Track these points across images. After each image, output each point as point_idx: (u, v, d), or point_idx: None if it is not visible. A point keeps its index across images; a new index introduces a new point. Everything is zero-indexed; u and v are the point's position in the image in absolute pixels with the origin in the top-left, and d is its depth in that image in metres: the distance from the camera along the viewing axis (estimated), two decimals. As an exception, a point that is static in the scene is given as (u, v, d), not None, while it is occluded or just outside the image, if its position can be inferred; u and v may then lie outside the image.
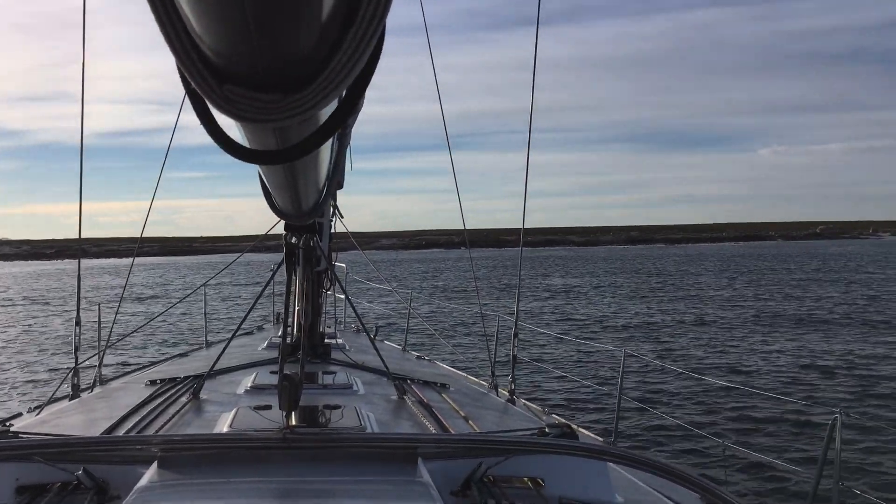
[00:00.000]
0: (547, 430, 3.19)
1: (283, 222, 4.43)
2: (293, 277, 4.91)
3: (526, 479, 2.87)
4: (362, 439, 2.82)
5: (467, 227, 8.47)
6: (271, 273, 6.24)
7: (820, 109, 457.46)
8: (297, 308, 5.27)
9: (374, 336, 9.51)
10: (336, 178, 2.12)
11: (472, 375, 8.42)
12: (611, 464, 2.97)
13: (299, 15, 0.99)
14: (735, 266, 69.64)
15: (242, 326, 6.23)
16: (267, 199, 2.72)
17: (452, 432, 3.73)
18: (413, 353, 9.61)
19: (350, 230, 8.52)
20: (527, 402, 7.39)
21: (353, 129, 4.18)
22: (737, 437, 11.51)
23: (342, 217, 7.82)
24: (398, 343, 10.50)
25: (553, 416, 6.86)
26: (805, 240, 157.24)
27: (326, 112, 1.37)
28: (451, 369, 8.62)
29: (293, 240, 4.70)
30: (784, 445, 11.14)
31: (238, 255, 10.46)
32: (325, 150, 1.88)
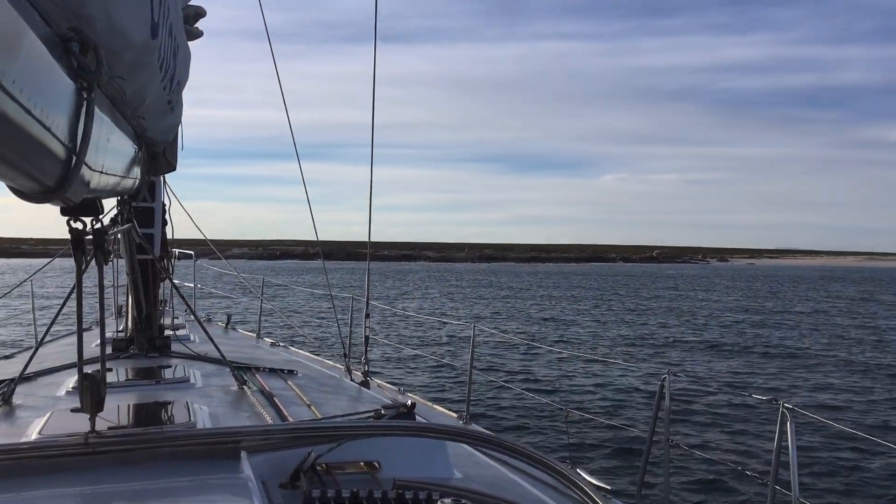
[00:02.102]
0: (383, 411, 3.15)
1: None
2: (101, 269, 4.57)
3: (362, 463, 2.84)
4: (177, 437, 2.60)
5: (322, 239, 8.39)
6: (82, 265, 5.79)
7: (659, 142, 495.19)
8: (131, 300, 4.98)
9: (227, 325, 9.24)
10: (85, 144, 1.61)
11: (328, 360, 8.46)
12: (454, 442, 2.99)
13: None
14: (576, 280, 75.68)
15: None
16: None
17: (291, 421, 3.67)
18: (268, 339, 9.47)
19: (208, 237, 8.20)
20: (381, 384, 7.43)
21: (183, 120, 3.93)
22: (579, 401, 12.28)
23: (179, 201, 7.40)
24: (253, 331, 10.31)
25: (408, 395, 6.98)
26: (643, 262, 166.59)
27: None
28: (307, 355, 8.57)
29: (79, 226, 4.28)
30: (622, 406, 11.98)
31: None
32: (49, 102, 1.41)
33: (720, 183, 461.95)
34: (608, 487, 3.85)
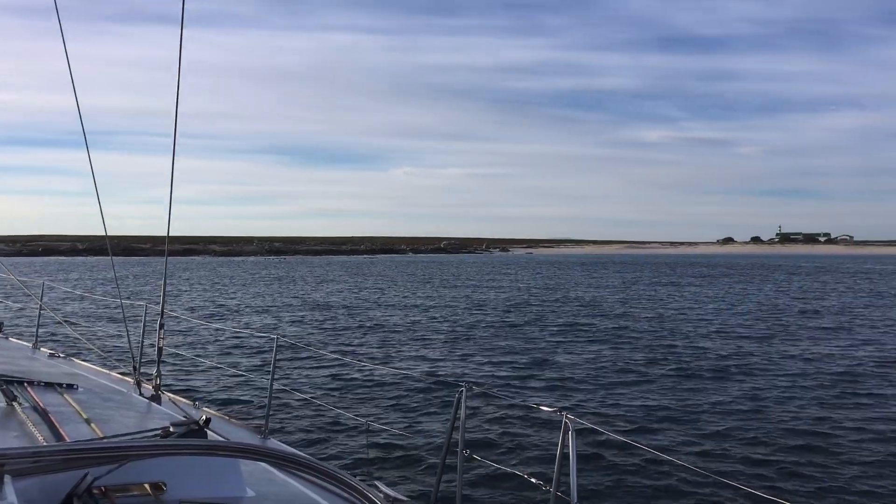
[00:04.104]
0: (171, 428, 3.05)
1: None
2: None
3: (146, 485, 2.70)
4: None
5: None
6: None
7: (444, 137, 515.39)
8: None
9: None
10: None
11: (116, 372, 7.92)
12: (248, 459, 2.92)
13: None
14: (367, 270, 79.18)
15: None
16: None
17: (67, 441, 3.43)
18: (45, 350, 8.71)
19: None
20: (174, 398, 7.08)
21: None
22: (380, 413, 12.39)
23: None
24: (29, 341, 9.41)
25: (203, 410, 6.70)
26: (432, 253, 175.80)
27: None
28: (92, 367, 7.99)
29: None
30: (421, 417, 12.23)
31: None
32: None
33: (501, 177, 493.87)
34: (405, 499, 3.92)
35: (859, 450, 10.69)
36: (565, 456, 4.10)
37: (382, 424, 11.18)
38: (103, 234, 6.65)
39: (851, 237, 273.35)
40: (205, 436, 3.05)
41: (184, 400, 7.09)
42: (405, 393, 14.09)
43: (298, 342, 19.52)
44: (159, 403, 6.20)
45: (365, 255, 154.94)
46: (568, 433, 4.08)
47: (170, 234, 6.82)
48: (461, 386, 5.02)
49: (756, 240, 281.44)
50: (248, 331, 21.73)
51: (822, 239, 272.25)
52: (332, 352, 18.68)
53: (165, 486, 2.72)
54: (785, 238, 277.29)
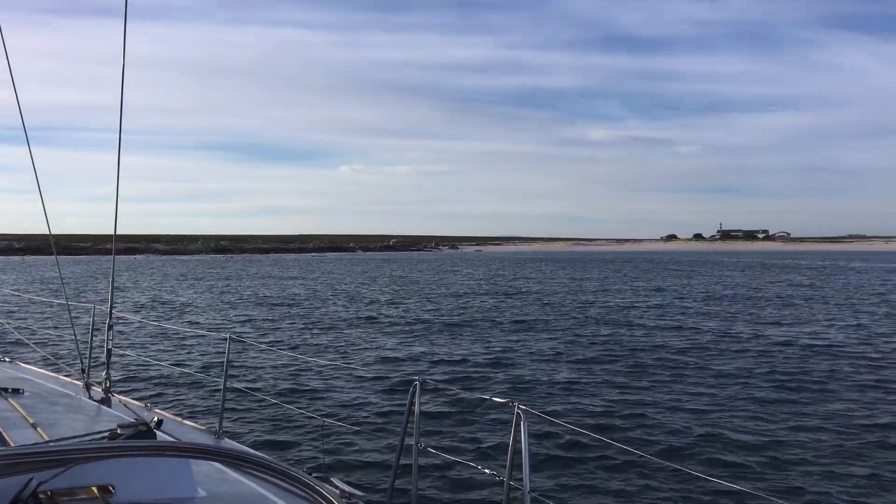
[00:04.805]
0: (119, 430, 3.04)
1: None
2: None
3: (94, 488, 2.69)
4: None
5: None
6: None
7: (392, 134, 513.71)
8: None
9: None
10: None
11: (64, 375, 7.83)
12: (199, 459, 2.92)
13: None
14: (317, 269, 79.27)
15: None
16: None
17: (11, 445, 3.41)
18: None
19: None
20: (125, 401, 6.98)
21: None
22: (335, 409, 12.45)
23: None
24: None
25: (155, 411, 6.67)
26: (381, 251, 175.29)
27: None
28: (39, 371, 7.88)
29: None
30: (376, 412, 12.33)
31: None
32: None
33: (450, 175, 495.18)
34: (360, 494, 4.00)
35: (801, 438, 11.17)
36: (517, 445, 4.15)
37: (337, 420, 11.25)
38: (41, 232, 6.58)
39: (788, 234, 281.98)
40: (154, 437, 3.06)
41: (135, 402, 7.00)
42: (359, 388, 14.16)
43: (251, 340, 19.39)
44: (109, 406, 6.13)
45: (314, 254, 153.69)
46: (520, 423, 4.12)
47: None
48: (415, 380, 5.04)
49: (698, 237, 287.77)
50: (199, 330, 21.48)
51: (760, 236, 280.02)
52: (285, 349, 18.63)
53: (114, 488, 2.72)
54: (726, 235, 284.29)
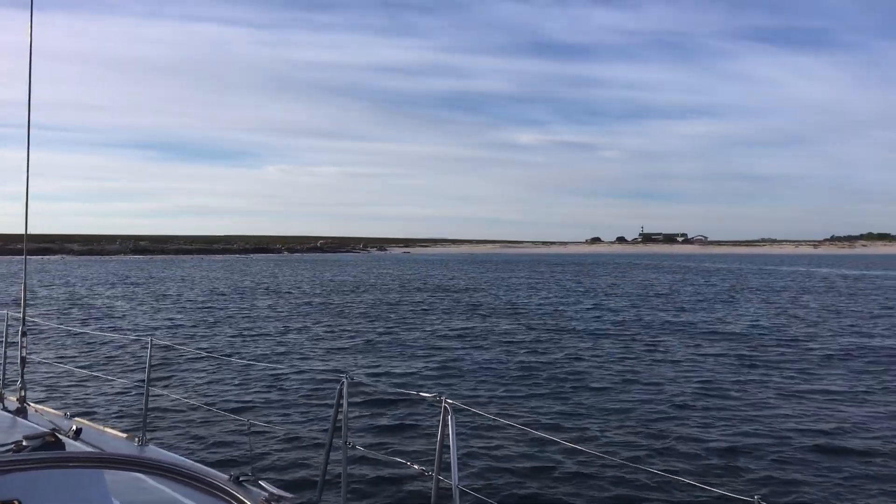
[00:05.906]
0: (25, 443, 2.95)
1: None
2: None
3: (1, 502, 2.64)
4: None
5: None
6: None
7: (320, 135, 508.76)
8: None
9: None
10: None
11: None
12: (112, 470, 2.83)
13: None
14: (242, 269, 78.85)
15: None
16: None
17: None
18: None
19: None
20: (43, 410, 6.69)
21: None
22: (261, 410, 12.33)
23: None
24: None
25: (75, 420, 6.49)
26: (309, 252, 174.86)
27: None
28: None
29: None
30: (303, 412, 12.27)
31: None
32: None
33: (377, 177, 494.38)
34: (289, 496, 4.00)
35: (728, 423, 11.67)
36: (446, 439, 4.19)
37: (264, 422, 11.17)
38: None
39: (706, 238, 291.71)
40: (62, 447, 2.97)
41: (53, 411, 6.76)
42: (286, 388, 14.07)
43: (174, 343, 18.97)
44: (25, 417, 5.91)
45: (238, 255, 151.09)
46: (447, 417, 4.16)
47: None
48: (342, 377, 5.02)
49: (621, 240, 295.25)
50: (119, 334, 20.88)
51: (679, 239, 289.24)
52: (209, 351, 18.32)
53: (20, 503, 2.63)
54: (647, 238, 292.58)
